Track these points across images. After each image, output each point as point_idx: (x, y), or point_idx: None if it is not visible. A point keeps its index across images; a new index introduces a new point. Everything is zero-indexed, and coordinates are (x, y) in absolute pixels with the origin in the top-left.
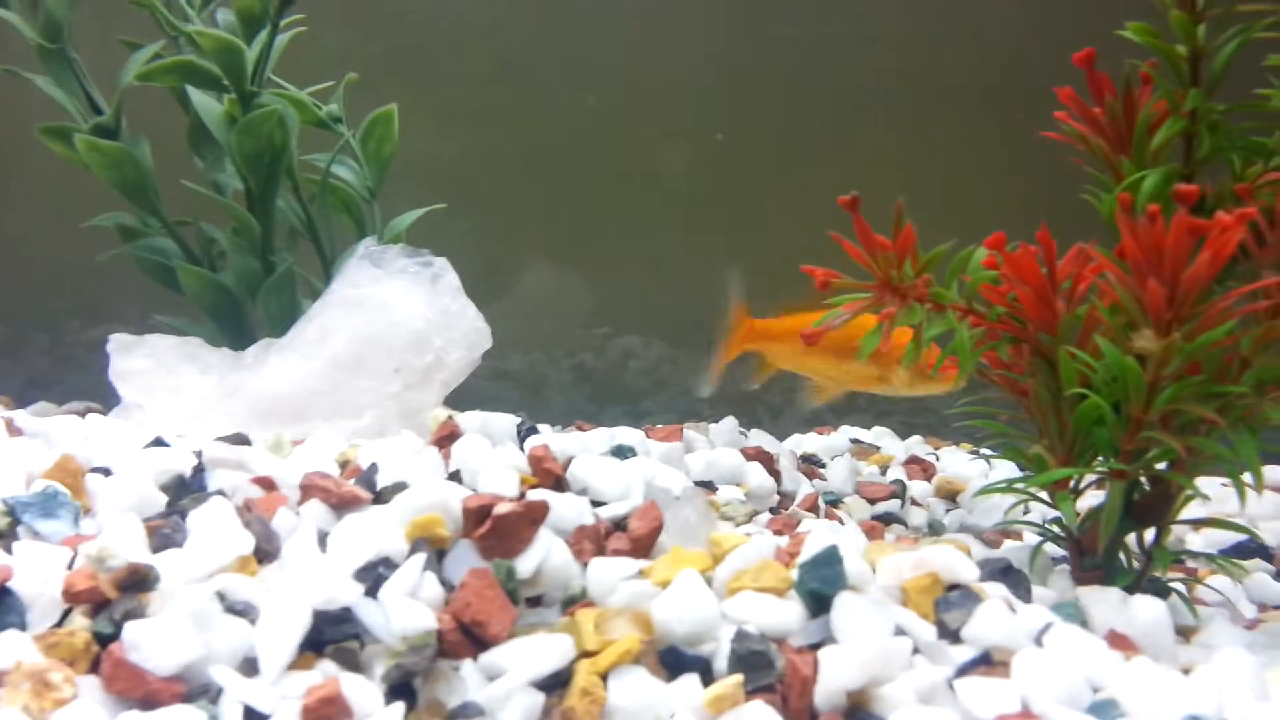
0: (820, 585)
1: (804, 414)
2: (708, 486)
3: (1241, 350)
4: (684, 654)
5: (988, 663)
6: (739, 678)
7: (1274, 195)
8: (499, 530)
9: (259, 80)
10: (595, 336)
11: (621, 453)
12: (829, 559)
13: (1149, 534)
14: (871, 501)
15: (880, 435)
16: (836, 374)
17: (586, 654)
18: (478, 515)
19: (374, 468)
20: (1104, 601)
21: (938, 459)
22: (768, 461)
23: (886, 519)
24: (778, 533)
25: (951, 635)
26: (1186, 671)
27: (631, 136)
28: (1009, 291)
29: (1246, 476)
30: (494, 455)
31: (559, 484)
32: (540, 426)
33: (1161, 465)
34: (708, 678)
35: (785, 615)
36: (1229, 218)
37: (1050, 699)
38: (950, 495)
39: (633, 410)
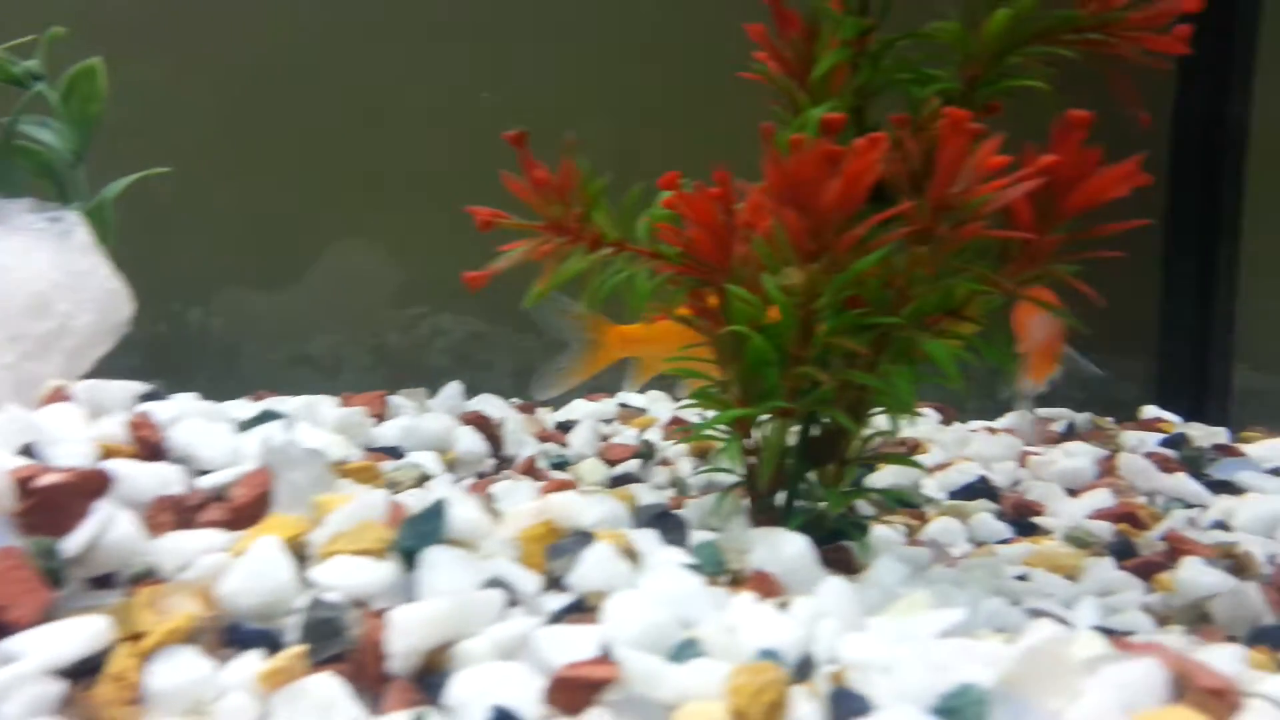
0: (414, 542)
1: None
2: (392, 453)
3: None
4: (246, 629)
5: (580, 609)
6: (302, 649)
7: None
8: (44, 505)
9: None
10: (406, 316)
11: (264, 419)
12: (431, 514)
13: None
14: (612, 463)
15: (654, 399)
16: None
17: (135, 636)
18: (20, 489)
19: None
20: (761, 542)
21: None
22: (485, 426)
23: (625, 479)
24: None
25: (556, 584)
26: (784, 606)
27: (426, 101)
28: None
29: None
30: (86, 425)
31: (155, 452)
32: (183, 395)
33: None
34: (275, 653)
35: (376, 576)
36: (863, 142)
37: (631, 641)
38: (702, 453)
39: (433, 389)
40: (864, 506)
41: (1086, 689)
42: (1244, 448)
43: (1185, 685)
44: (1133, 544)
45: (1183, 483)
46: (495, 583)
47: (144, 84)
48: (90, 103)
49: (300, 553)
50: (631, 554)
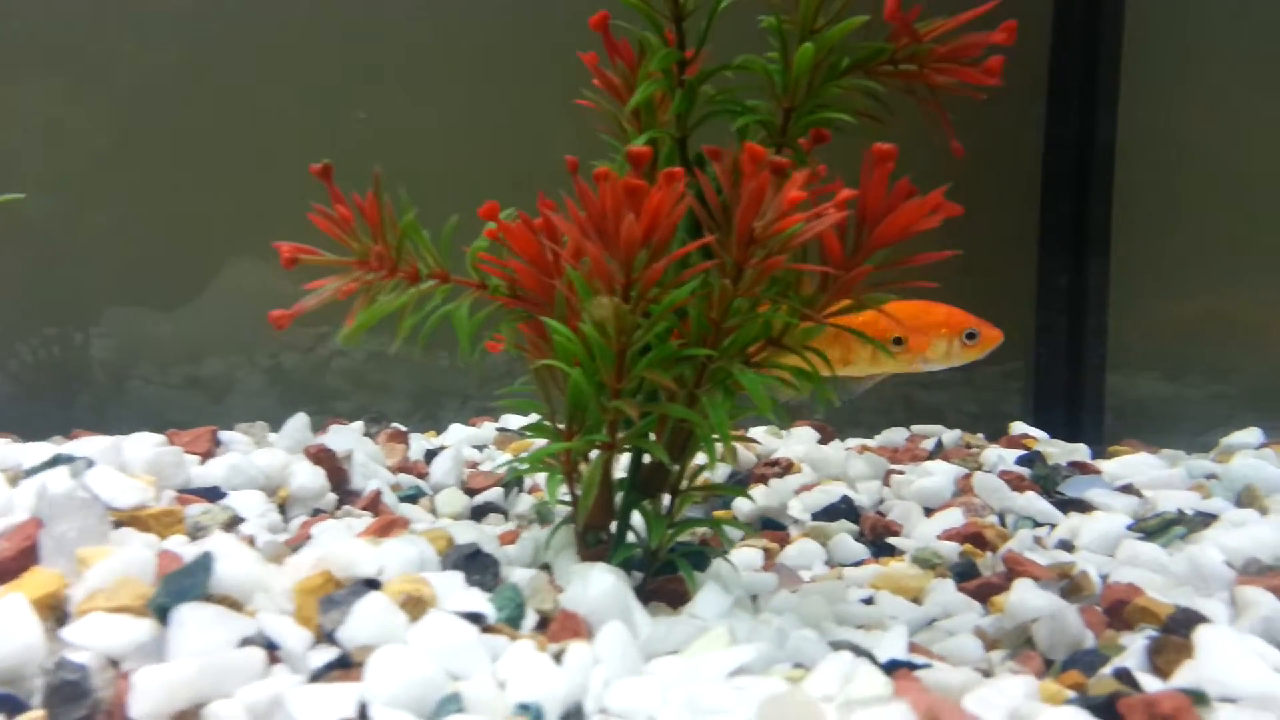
0: (170, 599)
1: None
2: (211, 495)
3: (723, 317)
4: None
5: (345, 665)
6: (42, 713)
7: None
8: None
9: None
10: (306, 336)
11: (54, 464)
12: (197, 568)
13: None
14: (472, 493)
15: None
16: None
17: None
18: None
19: None
20: (577, 579)
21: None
22: (328, 460)
23: (486, 509)
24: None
25: (326, 637)
26: (558, 657)
27: (313, 121)
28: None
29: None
30: None
31: None
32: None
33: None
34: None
35: (130, 635)
36: (662, 177)
37: (391, 700)
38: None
39: (320, 411)
40: (734, 532)
41: None
42: (1102, 464)
43: None
44: (975, 565)
45: (1033, 501)
46: (256, 640)
47: (25, 105)
48: None
49: (59, 609)
50: (419, 602)
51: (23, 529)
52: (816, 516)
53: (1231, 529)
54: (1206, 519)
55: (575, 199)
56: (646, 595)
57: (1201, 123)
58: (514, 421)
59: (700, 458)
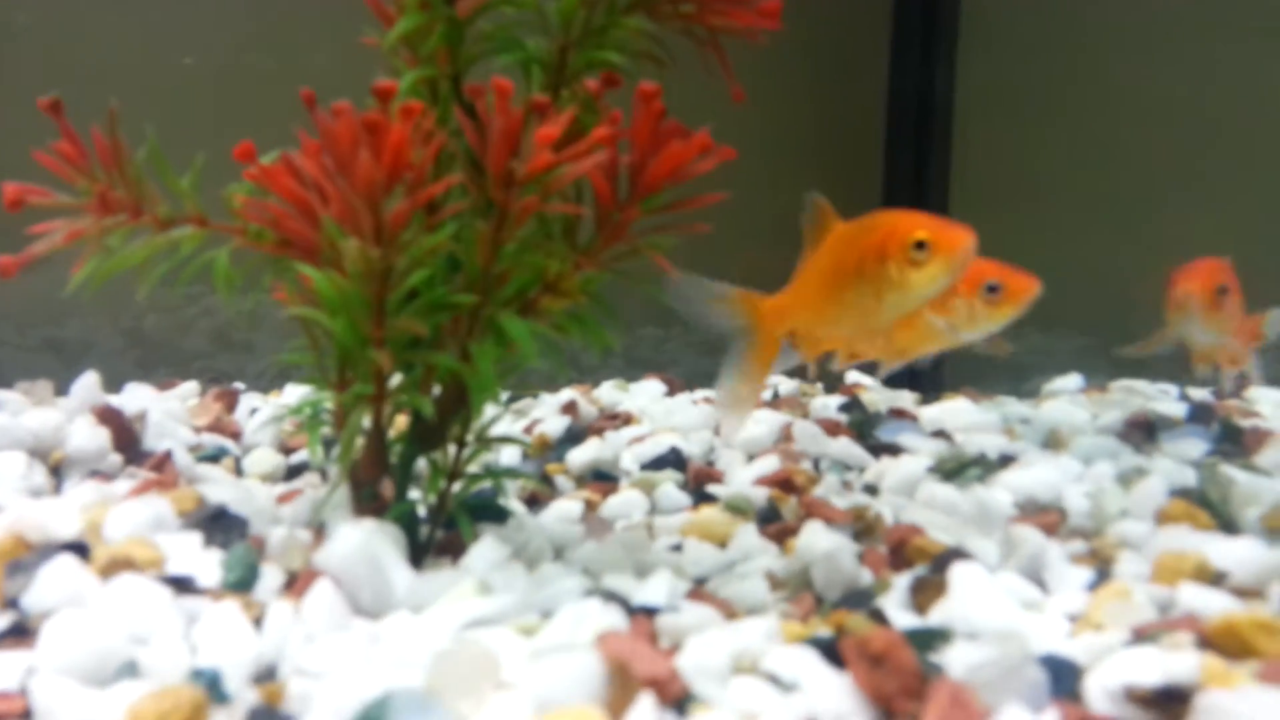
0: None
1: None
2: None
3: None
4: None
5: (20, 632)
6: None
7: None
8: None
9: None
10: (175, 297)
11: None
12: None
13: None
14: (289, 451)
15: None
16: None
17: None
18: None
19: None
20: (333, 536)
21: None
22: (113, 420)
23: (302, 468)
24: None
25: (12, 605)
26: (259, 616)
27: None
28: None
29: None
30: None
31: None
32: None
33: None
34: None
35: None
36: (400, 110)
37: (63, 667)
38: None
39: (179, 374)
40: (564, 485)
41: (514, 686)
42: (924, 410)
43: (619, 677)
44: (779, 509)
45: (846, 447)
46: None
47: None
48: None
49: None
50: (130, 564)
51: None
52: (645, 467)
53: (1022, 470)
54: (1006, 461)
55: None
56: (434, 550)
57: (1038, 75)
58: None
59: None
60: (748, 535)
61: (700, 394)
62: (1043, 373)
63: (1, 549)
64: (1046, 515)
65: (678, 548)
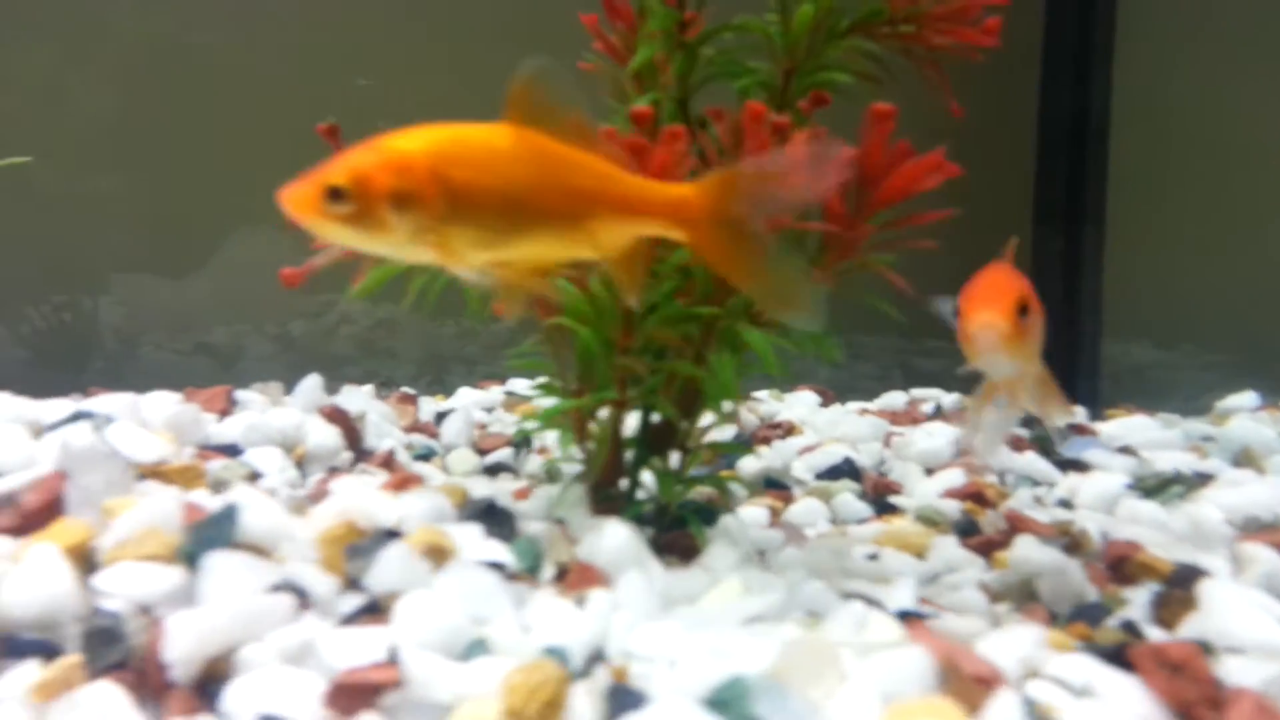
0: (197, 547)
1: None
2: (230, 451)
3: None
4: (22, 639)
5: (374, 610)
6: (78, 658)
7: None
8: None
9: None
10: (314, 303)
11: (76, 419)
12: (222, 518)
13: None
14: (483, 452)
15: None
16: None
17: None
18: None
19: None
20: (592, 533)
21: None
22: (341, 419)
23: (497, 468)
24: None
25: (353, 585)
26: (580, 603)
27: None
28: None
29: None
30: None
31: None
32: None
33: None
34: (53, 662)
35: (160, 583)
36: (665, 134)
37: (421, 643)
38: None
39: (330, 377)
40: (739, 490)
41: (852, 678)
42: (1100, 426)
43: (951, 673)
44: (976, 522)
45: (1032, 462)
46: (285, 586)
47: (31, 71)
48: None
49: (87, 559)
50: (440, 551)
51: (48, 481)
52: (820, 476)
53: (1229, 488)
54: (1204, 479)
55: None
56: (659, 549)
57: (1196, 91)
58: (521, 385)
59: (706, 417)
60: (947, 547)
61: (853, 406)
62: (1197, 387)
63: (337, 534)
64: (1274, 533)
65: (874, 556)
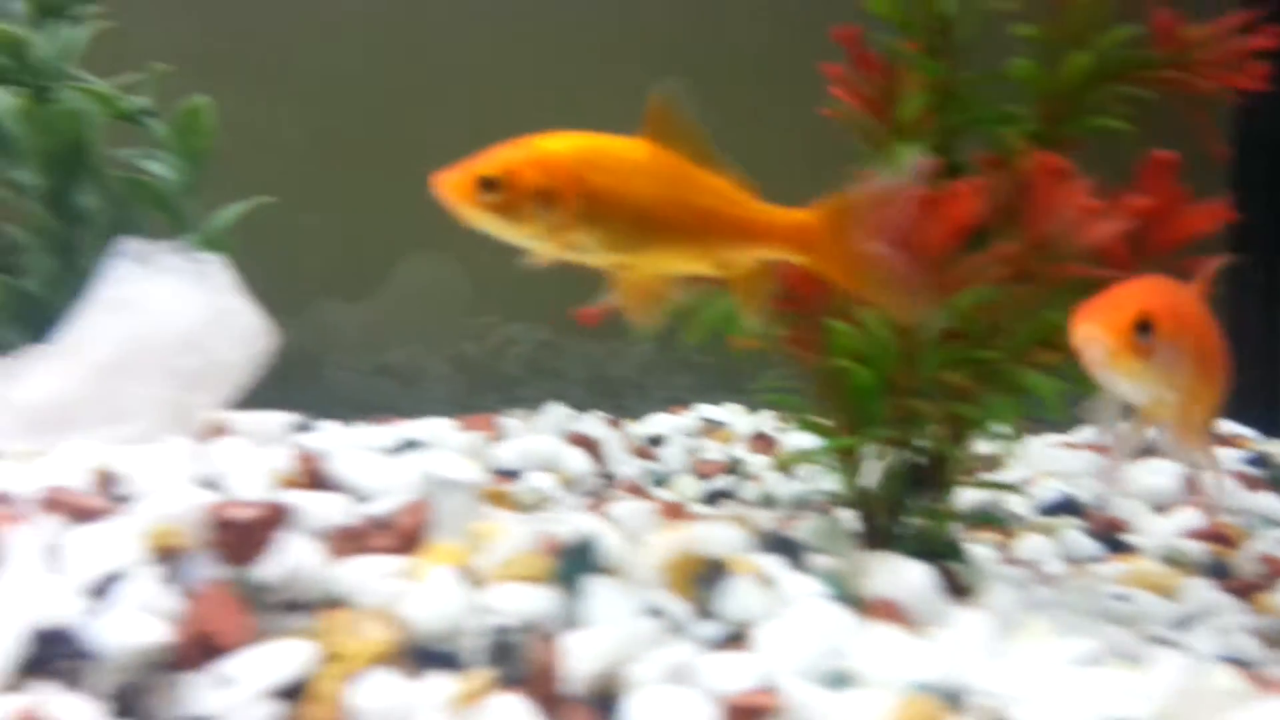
0: (573, 570)
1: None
2: (511, 475)
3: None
4: (433, 651)
5: (736, 638)
6: (487, 672)
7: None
8: (236, 536)
9: (56, 74)
10: (478, 325)
11: (408, 447)
12: (585, 544)
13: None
14: (704, 478)
15: (733, 412)
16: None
17: (335, 658)
18: (215, 522)
19: (121, 477)
20: (883, 567)
21: (783, 433)
22: (590, 445)
23: (719, 495)
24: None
25: (705, 612)
26: (919, 635)
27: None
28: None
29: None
30: (254, 457)
31: (320, 483)
32: (324, 423)
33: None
34: (459, 673)
35: (541, 604)
36: (965, 188)
37: (790, 671)
38: (784, 467)
39: (509, 397)
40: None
41: None
42: None
43: None
44: (1226, 564)
45: (1272, 502)
46: (651, 611)
47: (229, 110)
48: (200, 137)
49: (471, 579)
50: (765, 581)
51: (417, 505)
52: (1043, 513)
53: None
54: None
55: None
56: None
57: None
58: (712, 411)
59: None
60: (1199, 589)
61: (1052, 438)
62: None
63: (680, 562)
64: None
65: (1122, 598)
